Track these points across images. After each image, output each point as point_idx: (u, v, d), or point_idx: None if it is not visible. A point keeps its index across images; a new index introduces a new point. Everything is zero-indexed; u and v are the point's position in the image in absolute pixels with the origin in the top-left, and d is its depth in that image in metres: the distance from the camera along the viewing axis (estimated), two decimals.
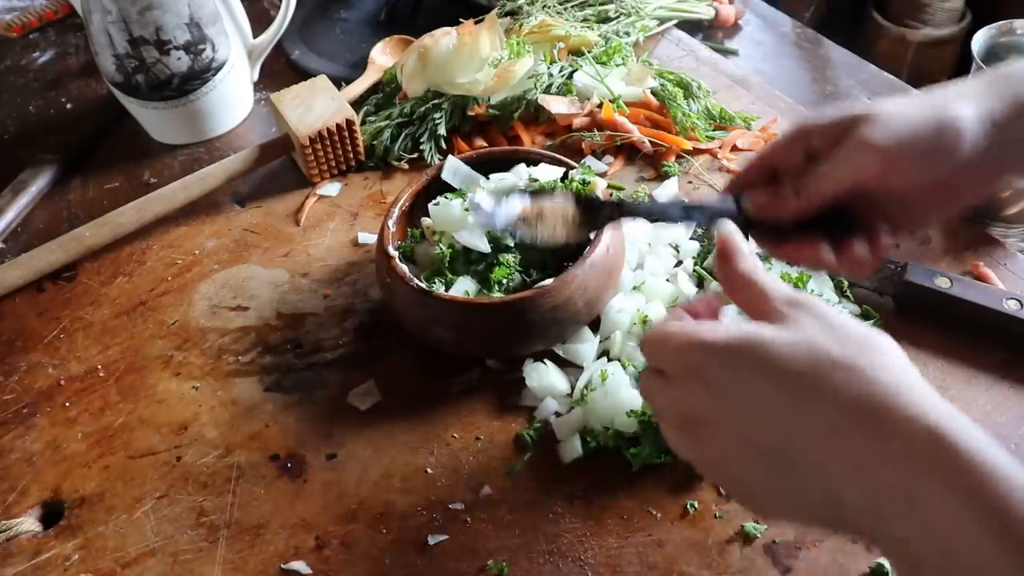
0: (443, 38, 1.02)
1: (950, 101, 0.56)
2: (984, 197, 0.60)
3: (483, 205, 0.61)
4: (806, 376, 0.45)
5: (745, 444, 0.47)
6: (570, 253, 0.76)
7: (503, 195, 0.61)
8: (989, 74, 0.59)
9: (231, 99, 1.09)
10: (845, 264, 0.60)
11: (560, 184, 0.80)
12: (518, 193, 0.61)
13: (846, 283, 0.80)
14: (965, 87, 0.58)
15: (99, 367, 0.84)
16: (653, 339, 0.51)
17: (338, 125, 0.97)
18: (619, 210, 0.63)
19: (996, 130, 0.55)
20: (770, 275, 0.51)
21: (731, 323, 0.51)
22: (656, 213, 0.65)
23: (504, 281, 0.75)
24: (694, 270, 0.84)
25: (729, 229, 0.54)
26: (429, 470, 0.73)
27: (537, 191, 0.69)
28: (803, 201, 0.58)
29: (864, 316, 0.79)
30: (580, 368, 0.76)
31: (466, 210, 0.78)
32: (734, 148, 0.99)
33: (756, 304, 0.51)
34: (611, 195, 0.76)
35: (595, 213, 0.62)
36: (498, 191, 0.66)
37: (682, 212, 0.62)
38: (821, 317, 0.47)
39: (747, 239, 0.58)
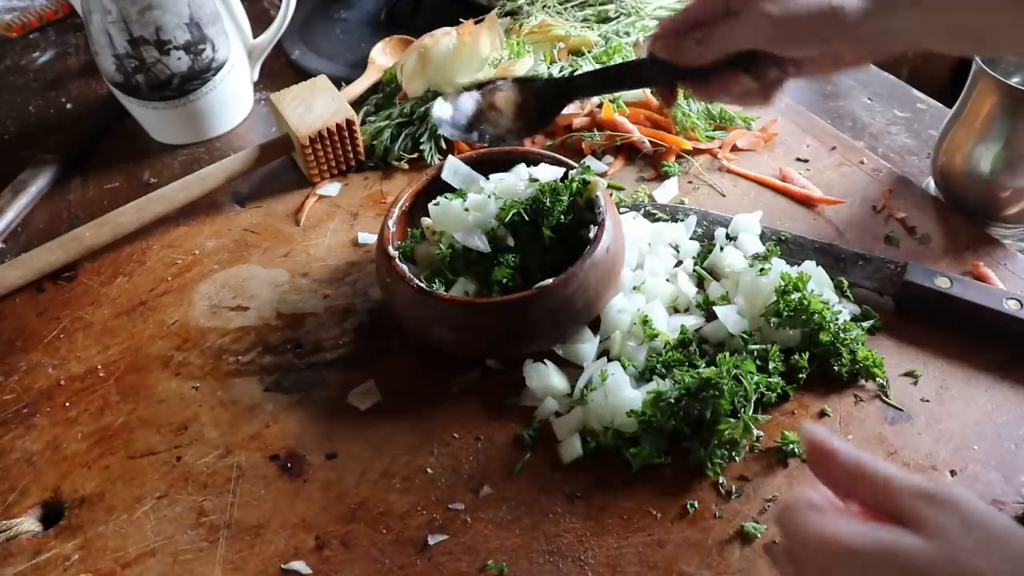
0: (443, 38, 1.02)
1: None
2: (869, 64, 0.69)
3: (442, 114, 0.63)
4: None
5: None
6: (570, 253, 0.76)
7: (456, 97, 0.64)
8: None
9: (231, 99, 1.09)
10: (761, 89, 0.67)
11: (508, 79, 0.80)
12: (467, 93, 0.64)
13: (846, 283, 0.80)
14: None
15: (99, 367, 0.84)
16: (786, 516, 0.47)
17: (338, 125, 0.97)
18: (568, 86, 0.67)
19: (878, 10, 0.60)
20: (884, 462, 0.46)
21: (870, 526, 0.44)
22: (600, 78, 0.71)
23: (504, 281, 0.75)
24: (694, 270, 0.84)
25: (810, 428, 0.49)
26: (429, 470, 0.73)
27: (483, 83, 0.72)
28: (705, 51, 0.64)
29: (864, 316, 0.79)
30: (580, 368, 0.76)
31: (466, 210, 0.78)
32: (734, 148, 0.99)
33: (883, 500, 0.44)
34: (562, 73, 0.77)
35: (544, 94, 0.66)
36: (451, 95, 0.69)
37: (625, 73, 0.70)
38: (968, 519, 0.41)
39: (676, 90, 0.72)
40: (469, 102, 0.64)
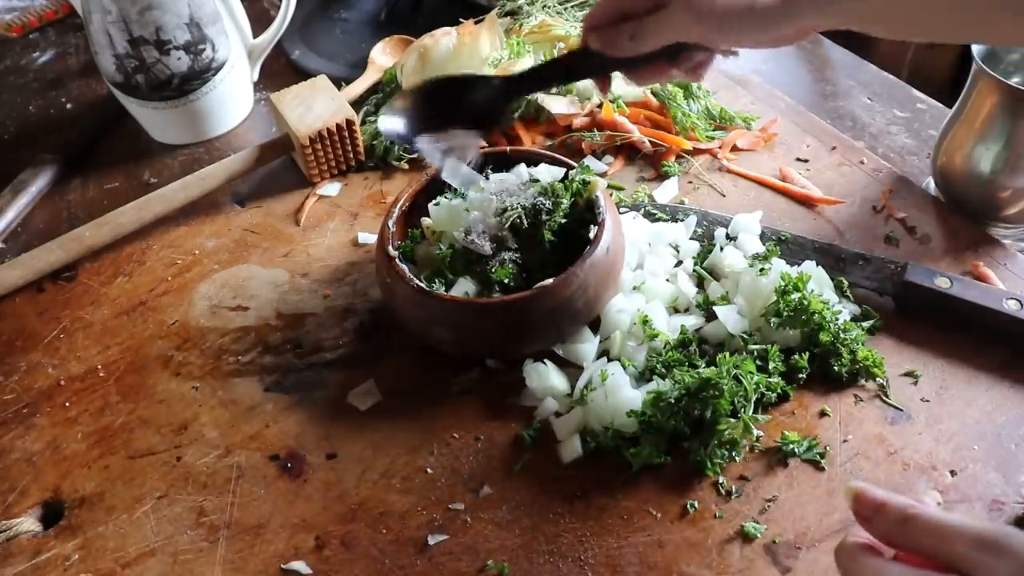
0: (443, 38, 1.02)
1: None
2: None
3: (393, 128, 0.66)
4: None
5: None
6: (570, 253, 0.76)
7: (402, 107, 0.67)
8: None
9: (231, 99, 1.09)
10: (690, 71, 0.70)
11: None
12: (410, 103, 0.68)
13: (846, 283, 0.80)
14: None
15: (99, 367, 0.84)
16: (846, 558, 0.46)
17: (338, 125, 0.97)
18: (507, 84, 0.72)
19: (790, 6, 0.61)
20: (935, 507, 0.45)
21: (926, 574, 0.43)
22: (539, 74, 0.75)
23: (504, 281, 0.75)
24: (694, 270, 0.84)
25: (856, 485, 0.47)
26: (429, 470, 0.73)
27: (420, 87, 0.75)
28: (637, 45, 0.66)
29: (864, 316, 0.79)
30: (580, 368, 0.76)
31: (466, 210, 0.78)
32: (734, 148, 0.99)
33: (938, 548, 0.43)
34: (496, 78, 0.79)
35: (487, 95, 0.69)
36: (395, 106, 0.72)
37: (563, 67, 0.74)
38: None
39: (610, 78, 0.75)
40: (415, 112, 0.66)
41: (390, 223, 0.80)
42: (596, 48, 0.69)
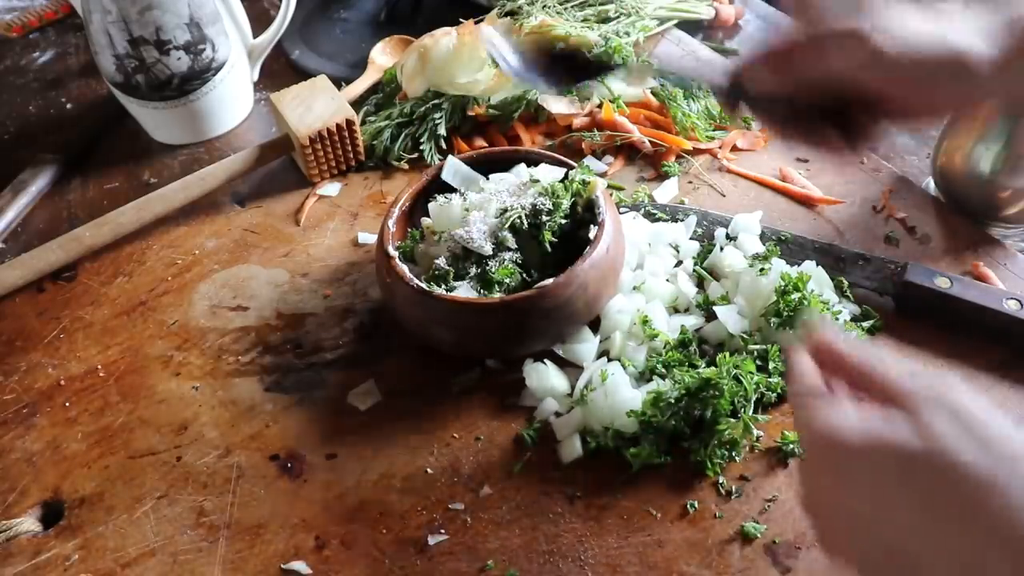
0: (443, 38, 1.02)
1: (960, 33, 0.54)
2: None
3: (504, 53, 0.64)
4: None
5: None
6: (570, 253, 0.76)
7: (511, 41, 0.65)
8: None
9: (231, 99, 1.09)
10: (847, 140, 0.60)
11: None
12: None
13: (846, 283, 0.80)
14: (975, 15, 0.55)
15: (99, 367, 0.84)
16: (798, 406, 0.49)
17: (338, 125, 0.97)
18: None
19: (1003, 64, 0.53)
20: (888, 356, 0.48)
21: (869, 416, 0.45)
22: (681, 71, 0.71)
23: (504, 281, 0.75)
24: (694, 270, 0.84)
25: (812, 332, 0.50)
26: (429, 470, 0.73)
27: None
28: (802, 88, 0.58)
29: (864, 316, 0.79)
30: (580, 368, 0.76)
31: (466, 210, 0.78)
32: (734, 148, 0.99)
33: (886, 393, 0.46)
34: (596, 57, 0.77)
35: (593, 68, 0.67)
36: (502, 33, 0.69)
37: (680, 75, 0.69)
38: (962, 414, 0.42)
39: (737, 105, 0.64)
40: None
41: (390, 223, 0.80)
42: (749, 82, 0.60)
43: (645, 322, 0.77)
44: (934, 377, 0.45)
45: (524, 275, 0.77)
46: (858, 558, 0.45)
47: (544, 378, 0.75)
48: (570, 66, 0.72)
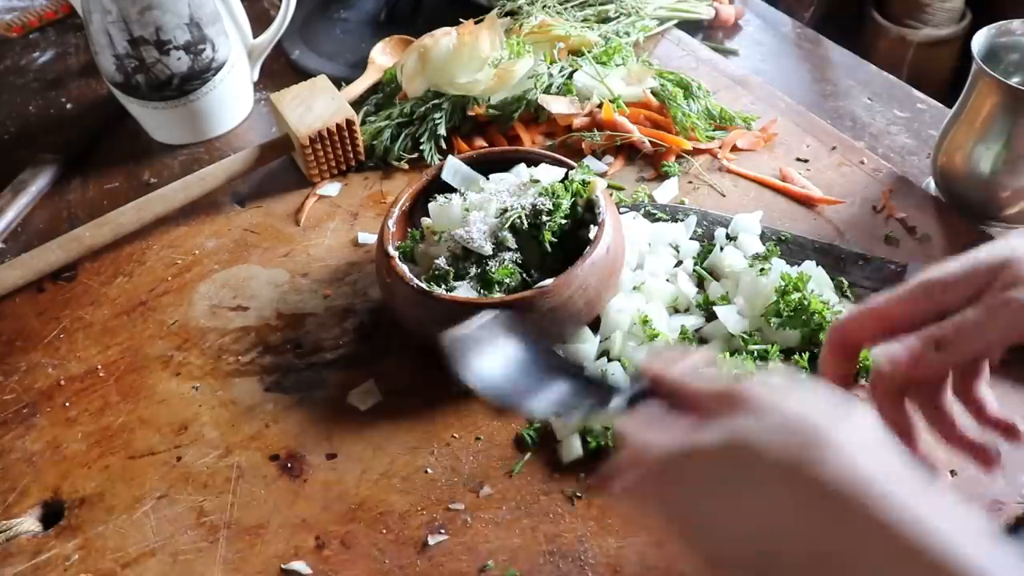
0: (443, 38, 1.02)
1: None
2: None
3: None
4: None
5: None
6: (570, 253, 0.76)
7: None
8: None
9: (231, 99, 1.09)
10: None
11: None
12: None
13: (846, 283, 0.80)
14: None
15: (99, 367, 0.84)
16: (624, 435, 0.48)
17: (338, 125, 0.97)
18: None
19: None
20: (704, 373, 0.49)
21: (679, 429, 0.46)
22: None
23: (504, 281, 0.75)
24: (694, 270, 0.84)
25: (651, 361, 0.50)
26: (429, 470, 0.73)
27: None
28: (950, 357, 0.51)
29: None
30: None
31: (466, 210, 0.78)
32: (734, 148, 0.99)
33: (700, 408, 0.47)
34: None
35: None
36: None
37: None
38: (756, 406, 0.43)
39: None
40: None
41: (390, 223, 0.80)
42: (887, 370, 0.51)
43: (645, 322, 0.77)
44: (730, 385, 0.45)
45: (524, 275, 0.77)
46: (710, 558, 0.45)
47: None
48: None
